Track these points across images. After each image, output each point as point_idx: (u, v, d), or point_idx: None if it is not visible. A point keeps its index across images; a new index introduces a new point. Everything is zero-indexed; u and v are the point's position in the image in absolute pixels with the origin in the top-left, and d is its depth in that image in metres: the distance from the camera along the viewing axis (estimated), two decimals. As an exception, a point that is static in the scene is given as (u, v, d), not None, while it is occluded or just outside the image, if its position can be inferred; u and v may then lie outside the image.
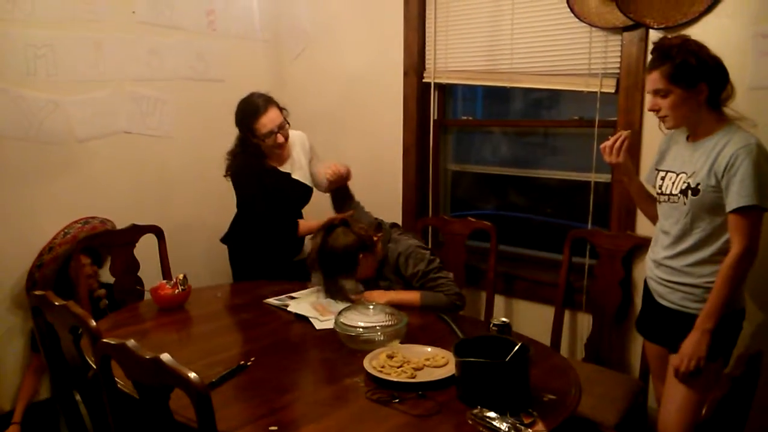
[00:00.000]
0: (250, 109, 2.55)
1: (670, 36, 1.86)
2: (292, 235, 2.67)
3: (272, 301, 2.41)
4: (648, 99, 1.87)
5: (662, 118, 1.86)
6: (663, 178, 1.94)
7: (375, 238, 2.31)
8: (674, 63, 1.76)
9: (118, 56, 2.94)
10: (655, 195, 1.99)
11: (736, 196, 1.73)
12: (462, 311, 2.40)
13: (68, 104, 2.79)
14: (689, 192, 1.81)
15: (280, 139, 2.58)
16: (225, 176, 2.65)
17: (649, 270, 2.03)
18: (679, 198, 1.85)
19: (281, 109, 2.62)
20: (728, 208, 1.76)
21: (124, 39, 2.95)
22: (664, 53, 1.79)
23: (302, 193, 2.76)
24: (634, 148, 2.36)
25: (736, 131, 1.80)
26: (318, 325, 2.16)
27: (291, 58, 3.54)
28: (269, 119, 2.53)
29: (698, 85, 1.77)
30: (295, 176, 2.71)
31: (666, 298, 1.94)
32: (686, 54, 1.76)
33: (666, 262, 1.92)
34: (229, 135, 2.67)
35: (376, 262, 2.34)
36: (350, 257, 2.22)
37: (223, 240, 2.82)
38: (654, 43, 1.84)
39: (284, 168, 2.70)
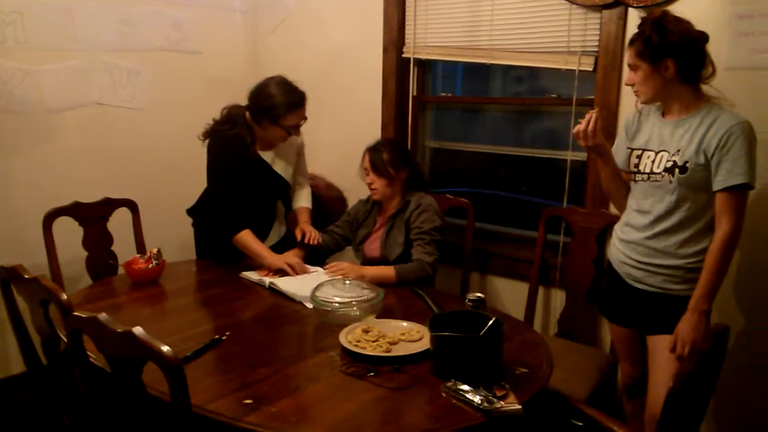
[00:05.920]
0: (292, 98, 2.40)
1: (655, 11, 1.84)
2: (228, 233, 2.44)
3: (248, 275, 2.41)
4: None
5: (636, 93, 1.87)
6: (639, 157, 1.91)
7: (400, 176, 2.53)
8: (642, 39, 1.77)
9: (90, 25, 2.86)
10: (627, 174, 1.97)
11: (728, 174, 1.71)
12: (438, 287, 2.42)
13: (39, 73, 2.72)
14: (676, 170, 1.79)
15: (293, 134, 2.48)
16: (200, 138, 2.50)
17: (619, 253, 2.00)
18: (663, 176, 1.82)
19: None
20: (718, 187, 1.74)
21: (96, 7, 2.87)
22: (639, 28, 1.80)
23: (278, 185, 2.65)
24: (610, 126, 2.37)
25: (720, 109, 1.78)
26: (285, 287, 2.22)
27: (269, 31, 3.48)
28: (302, 116, 2.44)
29: (663, 61, 1.76)
30: (275, 168, 2.60)
31: (644, 281, 1.92)
32: (653, 30, 1.75)
33: (645, 242, 1.89)
34: (205, 107, 2.61)
35: (389, 189, 2.52)
36: (388, 152, 2.50)
37: (189, 212, 2.72)
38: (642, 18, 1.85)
39: (265, 156, 2.57)
